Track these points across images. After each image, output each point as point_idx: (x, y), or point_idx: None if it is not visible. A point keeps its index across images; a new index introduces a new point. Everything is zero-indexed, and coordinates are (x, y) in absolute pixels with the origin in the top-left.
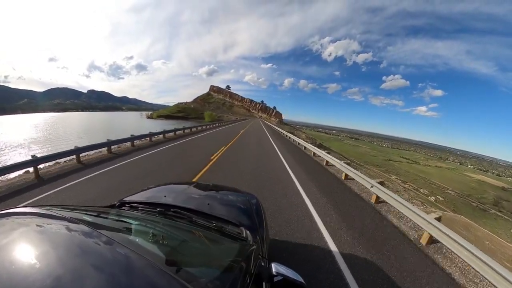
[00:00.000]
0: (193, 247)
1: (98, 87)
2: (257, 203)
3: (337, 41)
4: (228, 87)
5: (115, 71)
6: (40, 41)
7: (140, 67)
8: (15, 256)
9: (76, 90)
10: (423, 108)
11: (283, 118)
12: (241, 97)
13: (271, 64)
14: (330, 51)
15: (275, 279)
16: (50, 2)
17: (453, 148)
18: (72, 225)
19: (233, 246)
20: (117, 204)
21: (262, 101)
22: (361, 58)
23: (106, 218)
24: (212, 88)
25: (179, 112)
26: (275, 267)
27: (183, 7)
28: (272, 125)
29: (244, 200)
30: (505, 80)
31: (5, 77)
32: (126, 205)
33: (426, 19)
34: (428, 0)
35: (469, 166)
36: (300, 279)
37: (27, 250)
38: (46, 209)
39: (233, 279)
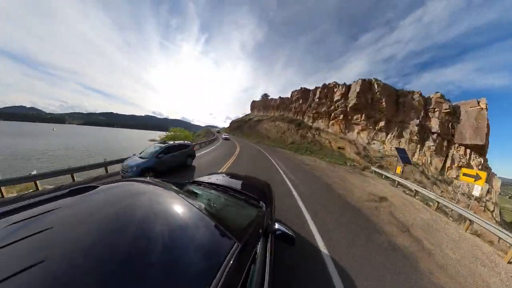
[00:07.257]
0: (231, 209)
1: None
2: (270, 187)
3: None
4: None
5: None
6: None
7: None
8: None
9: (216, 126)
10: None
11: None
12: None
13: None
14: None
15: (277, 232)
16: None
17: None
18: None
19: (254, 211)
20: (191, 181)
21: None
22: None
23: (183, 188)
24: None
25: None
26: (277, 225)
27: None
28: None
29: (262, 184)
30: None
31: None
32: (195, 183)
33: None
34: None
35: None
36: (291, 233)
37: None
38: (150, 179)
39: (254, 228)
